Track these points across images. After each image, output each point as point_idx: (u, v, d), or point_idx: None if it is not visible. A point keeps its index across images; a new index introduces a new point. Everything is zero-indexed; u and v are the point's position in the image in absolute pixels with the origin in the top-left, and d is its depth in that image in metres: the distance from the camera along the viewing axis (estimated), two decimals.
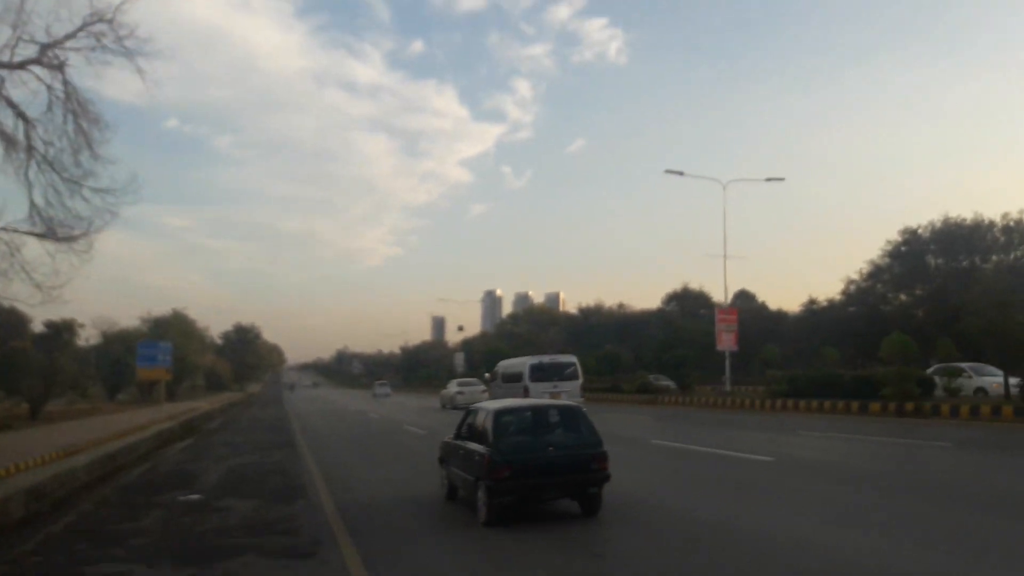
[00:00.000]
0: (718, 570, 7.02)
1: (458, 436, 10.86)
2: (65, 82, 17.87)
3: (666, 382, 47.39)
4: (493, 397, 26.77)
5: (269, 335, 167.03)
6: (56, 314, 79.74)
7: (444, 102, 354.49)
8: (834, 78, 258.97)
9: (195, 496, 12.75)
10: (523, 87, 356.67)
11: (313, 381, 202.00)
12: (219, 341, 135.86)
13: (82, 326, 76.39)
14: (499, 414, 9.77)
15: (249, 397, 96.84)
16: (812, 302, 68.89)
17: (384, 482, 13.81)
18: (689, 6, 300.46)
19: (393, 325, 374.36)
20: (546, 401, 13.72)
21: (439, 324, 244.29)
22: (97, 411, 42.95)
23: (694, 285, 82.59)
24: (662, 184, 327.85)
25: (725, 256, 40.91)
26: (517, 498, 9.21)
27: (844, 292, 59.85)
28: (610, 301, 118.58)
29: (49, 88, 18.07)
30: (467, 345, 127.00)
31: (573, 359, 30.22)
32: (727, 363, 40.43)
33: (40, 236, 17.17)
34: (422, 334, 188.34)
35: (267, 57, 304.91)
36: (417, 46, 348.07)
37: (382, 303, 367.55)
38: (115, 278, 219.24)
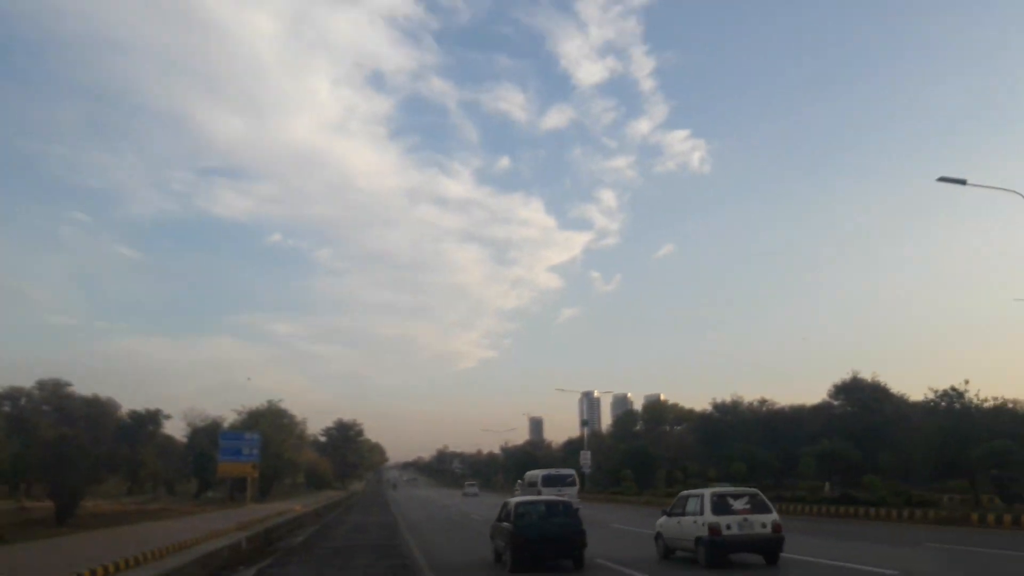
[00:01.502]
0: None
1: (498, 519, 18.04)
2: None
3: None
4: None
5: (370, 435, 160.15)
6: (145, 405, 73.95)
7: (531, 213, 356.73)
8: (922, 172, 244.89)
9: None
10: (608, 197, 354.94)
11: (412, 477, 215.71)
12: (321, 439, 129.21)
13: (168, 417, 70.22)
14: (519, 505, 17.04)
15: (350, 496, 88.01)
16: None
17: (457, 550, 21.81)
18: (771, 114, 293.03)
19: (490, 425, 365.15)
20: (550, 497, 21.64)
21: (536, 425, 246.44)
22: (157, 513, 34.52)
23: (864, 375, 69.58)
24: (763, 283, 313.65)
25: None
26: (529, 555, 15.86)
27: None
28: (703, 402, 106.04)
29: None
30: (592, 442, 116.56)
31: (572, 472, 42.57)
32: None
33: None
34: (520, 434, 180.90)
35: (363, 176, 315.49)
36: (504, 162, 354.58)
37: (479, 404, 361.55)
38: (225, 382, 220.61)
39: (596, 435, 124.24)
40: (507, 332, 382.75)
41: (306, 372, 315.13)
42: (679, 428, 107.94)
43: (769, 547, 15.86)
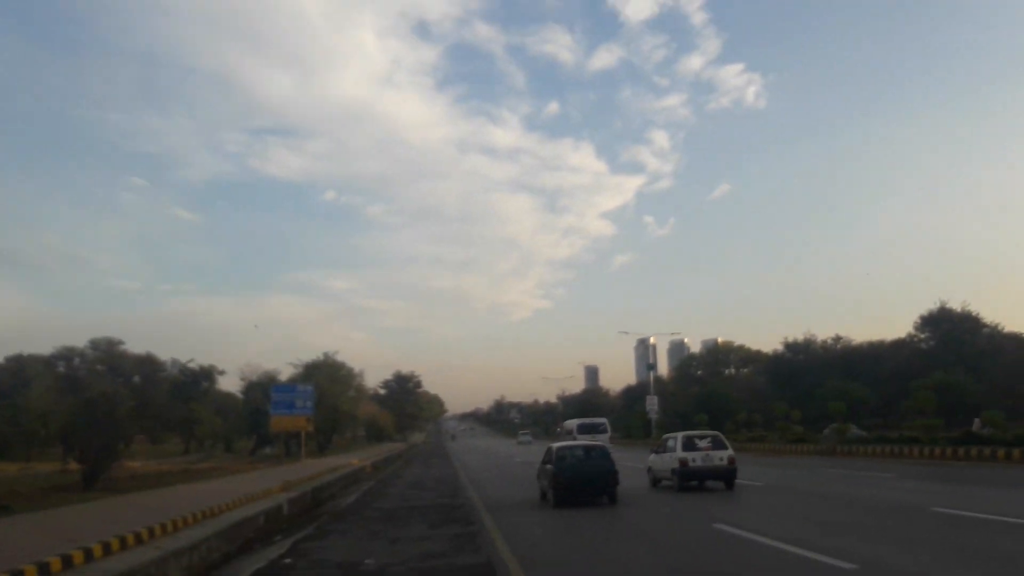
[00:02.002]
0: None
1: (543, 462, 19.82)
2: None
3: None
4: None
5: (428, 388, 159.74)
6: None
7: (581, 158, 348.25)
8: (983, 98, 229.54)
9: None
10: (660, 138, 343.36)
11: (470, 427, 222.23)
12: (381, 391, 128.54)
13: (222, 373, 68.66)
14: (559, 449, 19.13)
15: (411, 448, 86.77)
16: None
17: (508, 489, 24.70)
18: (829, 44, 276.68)
19: (546, 374, 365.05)
20: (587, 442, 23.47)
21: (592, 372, 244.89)
22: (204, 473, 32.30)
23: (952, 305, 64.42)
24: (815, 222, 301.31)
25: None
26: (568, 493, 17.67)
27: None
28: (772, 343, 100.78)
29: None
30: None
31: (604, 420, 45.68)
32: None
33: None
34: (575, 382, 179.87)
35: (412, 128, 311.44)
36: (552, 107, 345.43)
37: (534, 354, 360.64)
38: (284, 338, 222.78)
39: (657, 381, 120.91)
40: (560, 281, 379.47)
41: (363, 327, 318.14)
42: (744, 370, 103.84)
43: (725, 475, 20.37)
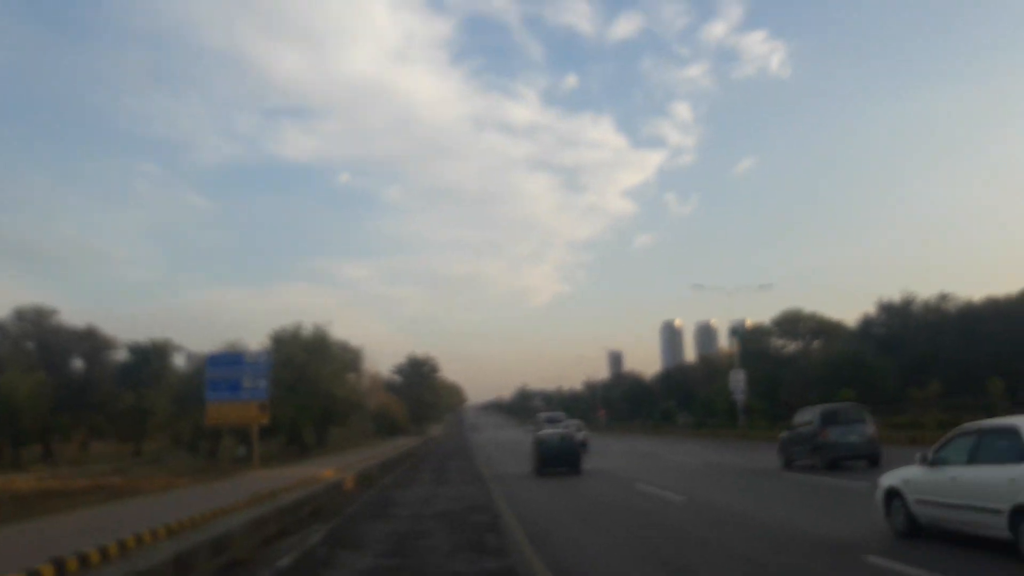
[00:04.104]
0: None
1: (533, 443, 29.84)
2: None
3: None
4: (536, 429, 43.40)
5: (447, 376, 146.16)
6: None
7: (601, 133, 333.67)
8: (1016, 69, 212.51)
9: None
10: (682, 110, 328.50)
11: (494, 420, 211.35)
12: (396, 378, 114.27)
13: (179, 349, 54.26)
14: (538, 436, 29.00)
15: (425, 443, 71.68)
16: None
17: (513, 466, 33.50)
18: (853, 8, 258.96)
19: (567, 360, 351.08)
20: (559, 430, 31.35)
21: (616, 358, 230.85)
22: (79, 495, 18.01)
23: None
24: (841, 194, 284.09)
25: None
26: (545, 465, 27.21)
27: None
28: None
29: None
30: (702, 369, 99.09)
31: (562, 413, 60.84)
32: None
33: None
34: (598, 368, 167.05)
35: (427, 106, 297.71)
36: (571, 80, 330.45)
37: (555, 340, 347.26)
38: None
39: (706, 362, 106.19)
40: (581, 263, 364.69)
41: (381, 315, 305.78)
42: (815, 343, 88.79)
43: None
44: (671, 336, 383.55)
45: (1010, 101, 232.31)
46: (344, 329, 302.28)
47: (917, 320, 66.45)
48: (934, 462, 10.59)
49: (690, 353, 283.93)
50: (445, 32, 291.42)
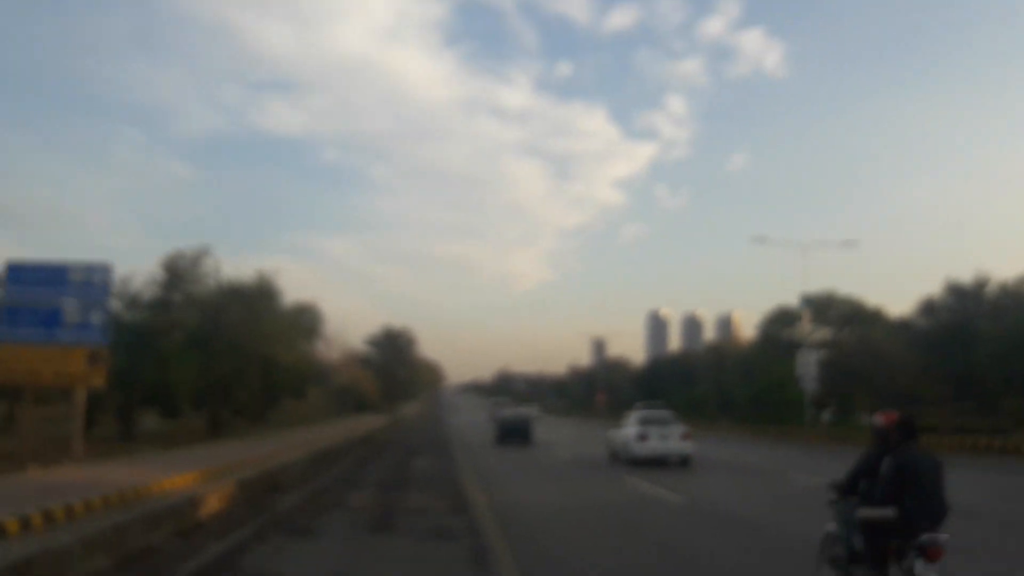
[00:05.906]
0: None
1: (494, 420, 44.09)
2: None
3: None
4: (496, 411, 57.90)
5: (428, 354, 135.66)
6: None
7: (593, 122, 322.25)
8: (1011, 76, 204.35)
9: None
10: (675, 103, 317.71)
11: (496, 401, 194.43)
12: (370, 350, 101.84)
13: None
14: (500, 417, 40.24)
15: (394, 424, 59.59)
16: None
17: (480, 437, 42.01)
18: (852, 9, 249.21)
19: (550, 347, 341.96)
20: (516, 410, 48.98)
21: (599, 346, 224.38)
22: None
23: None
24: (830, 197, 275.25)
25: None
26: (503, 436, 36.44)
27: None
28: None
29: None
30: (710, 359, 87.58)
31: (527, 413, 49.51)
32: None
33: None
34: (580, 355, 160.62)
35: (418, 86, 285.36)
36: (565, 68, 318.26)
37: (538, 325, 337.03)
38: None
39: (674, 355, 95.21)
40: (568, 251, 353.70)
41: (362, 292, 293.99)
42: (845, 330, 77.32)
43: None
44: (656, 326, 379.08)
45: (1006, 104, 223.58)
46: (326, 306, 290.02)
47: (992, 304, 55.17)
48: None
49: (675, 343, 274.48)
50: (439, 14, 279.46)
